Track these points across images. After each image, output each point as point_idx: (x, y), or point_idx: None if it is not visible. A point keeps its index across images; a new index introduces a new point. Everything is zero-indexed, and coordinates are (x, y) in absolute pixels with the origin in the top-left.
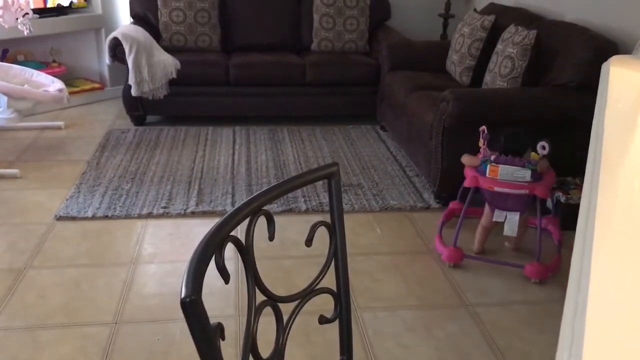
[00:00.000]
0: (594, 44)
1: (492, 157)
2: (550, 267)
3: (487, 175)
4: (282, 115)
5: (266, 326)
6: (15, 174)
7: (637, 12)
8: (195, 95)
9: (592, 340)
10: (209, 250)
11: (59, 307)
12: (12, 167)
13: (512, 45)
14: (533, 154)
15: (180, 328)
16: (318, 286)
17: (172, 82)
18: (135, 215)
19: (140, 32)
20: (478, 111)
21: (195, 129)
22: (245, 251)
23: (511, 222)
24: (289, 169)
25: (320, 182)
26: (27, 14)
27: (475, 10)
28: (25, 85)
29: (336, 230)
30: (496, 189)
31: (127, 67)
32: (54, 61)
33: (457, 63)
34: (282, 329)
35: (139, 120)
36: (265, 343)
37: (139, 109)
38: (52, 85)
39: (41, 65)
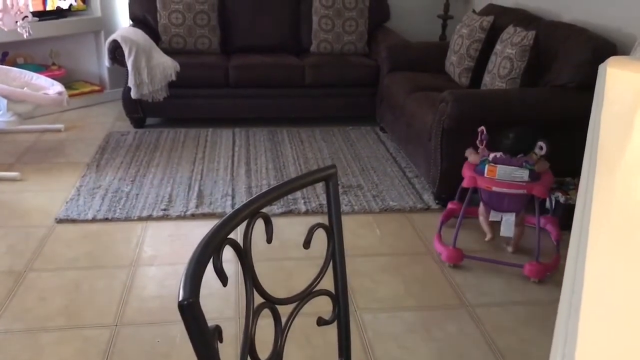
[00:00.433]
0: (592, 45)
1: (491, 157)
2: (549, 267)
3: (485, 175)
4: (281, 117)
5: (265, 328)
6: (15, 176)
7: (636, 13)
8: (195, 97)
9: (585, 341)
10: (207, 253)
11: (60, 310)
12: (12, 169)
13: (511, 46)
14: (532, 153)
15: (180, 330)
16: (317, 288)
17: (171, 85)
18: (135, 218)
19: (139, 35)
20: (477, 112)
21: (194, 131)
22: (243, 254)
23: (507, 223)
24: (289, 171)
25: (320, 184)
26: (26, 17)
27: (474, 11)
28: (25, 88)
29: (334, 232)
30: (494, 188)
31: (127, 69)
32: (53, 64)
33: (456, 64)
34: (281, 331)
35: (138, 123)
36: (265, 345)
37: (139, 112)
38: (51, 87)
39: (41, 68)
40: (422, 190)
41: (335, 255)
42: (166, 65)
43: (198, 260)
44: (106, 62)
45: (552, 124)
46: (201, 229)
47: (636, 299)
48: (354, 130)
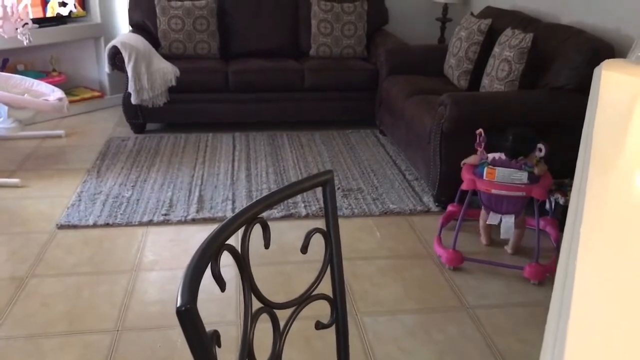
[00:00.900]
0: (590, 46)
1: (490, 160)
2: (548, 268)
3: (484, 177)
4: (281, 121)
5: (266, 332)
6: (16, 183)
7: (633, 14)
8: (195, 102)
9: (574, 341)
10: (205, 259)
11: (61, 315)
12: (13, 176)
13: (509, 49)
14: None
15: (181, 335)
16: (315, 292)
17: (171, 90)
18: (136, 223)
19: (139, 41)
20: (475, 115)
21: (195, 135)
22: (241, 259)
23: (506, 226)
24: (289, 175)
25: (320, 188)
26: (26, 24)
27: (472, 13)
28: (26, 95)
29: (331, 237)
30: (493, 191)
31: (127, 75)
32: (54, 70)
33: (455, 67)
34: (279, 335)
35: (139, 128)
36: (266, 349)
37: (139, 117)
38: (52, 94)
39: (41, 75)
40: (422, 193)
41: (333, 260)
42: (166, 71)
43: (195, 266)
44: (106, 68)
45: (551, 126)
46: (202, 234)
47: (627, 297)
48: (353, 133)
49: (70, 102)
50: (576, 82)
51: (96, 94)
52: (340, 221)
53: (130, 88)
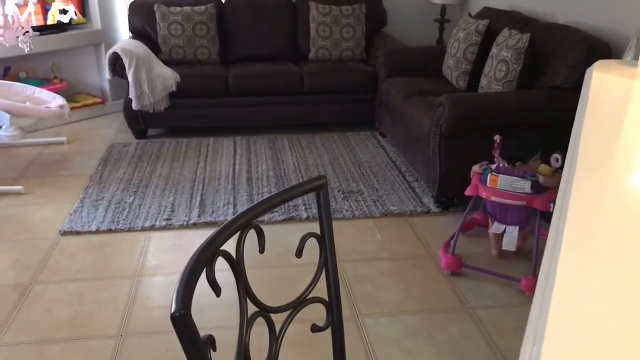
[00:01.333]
0: (587, 46)
1: (494, 166)
2: None
3: (487, 184)
4: (281, 124)
5: (263, 335)
6: (19, 190)
7: (630, 13)
8: (196, 107)
9: (551, 341)
10: (199, 265)
11: (65, 321)
12: (16, 183)
13: (507, 49)
14: (544, 166)
15: None
16: (310, 295)
17: (172, 95)
18: (139, 228)
19: (139, 46)
20: (474, 115)
21: (196, 140)
22: (236, 265)
23: (510, 237)
24: (290, 178)
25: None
26: (27, 32)
27: (470, 14)
28: (27, 103)
29: (325, 241)
30: (493, 198)
31: (128, 81)
32: (55, 77)
33: (453, 68)
34: (275, 339)
35: (140, 134)
36: (264, 351)
37: (140, 122)
38: (53, 101)
39: (43, 82)
40: (422, 194)
41: (328, 263)
42: (166, 76)
43: (190, 272)
44: (107, 74)
45: (549, 125)
46: (204, 238)
47: (606, 298)
48: (353, 135)
49: (72, 108)
50: (574, 81)
51: (97, 100)
52: (341, 223)
53: (131, 94)
